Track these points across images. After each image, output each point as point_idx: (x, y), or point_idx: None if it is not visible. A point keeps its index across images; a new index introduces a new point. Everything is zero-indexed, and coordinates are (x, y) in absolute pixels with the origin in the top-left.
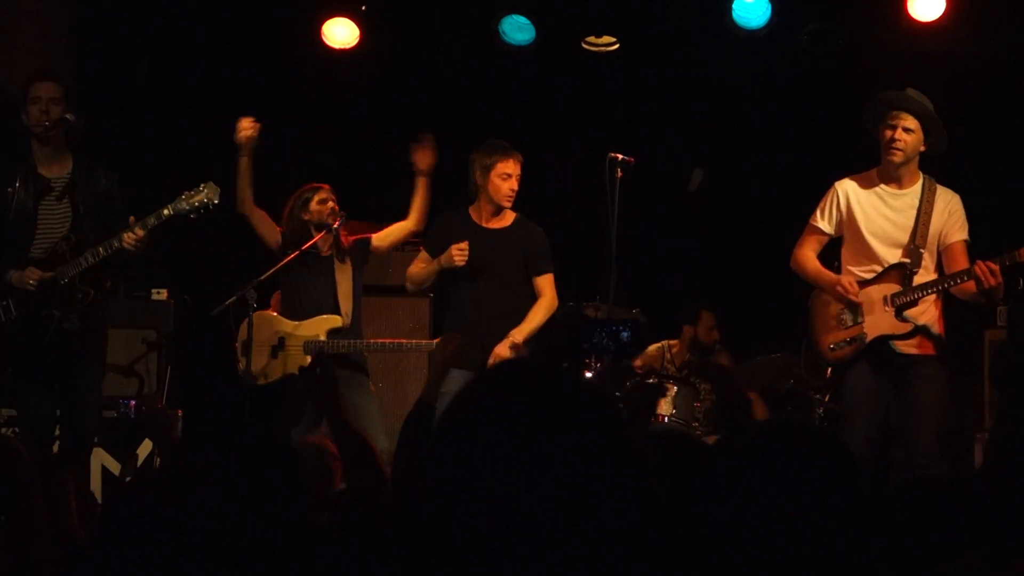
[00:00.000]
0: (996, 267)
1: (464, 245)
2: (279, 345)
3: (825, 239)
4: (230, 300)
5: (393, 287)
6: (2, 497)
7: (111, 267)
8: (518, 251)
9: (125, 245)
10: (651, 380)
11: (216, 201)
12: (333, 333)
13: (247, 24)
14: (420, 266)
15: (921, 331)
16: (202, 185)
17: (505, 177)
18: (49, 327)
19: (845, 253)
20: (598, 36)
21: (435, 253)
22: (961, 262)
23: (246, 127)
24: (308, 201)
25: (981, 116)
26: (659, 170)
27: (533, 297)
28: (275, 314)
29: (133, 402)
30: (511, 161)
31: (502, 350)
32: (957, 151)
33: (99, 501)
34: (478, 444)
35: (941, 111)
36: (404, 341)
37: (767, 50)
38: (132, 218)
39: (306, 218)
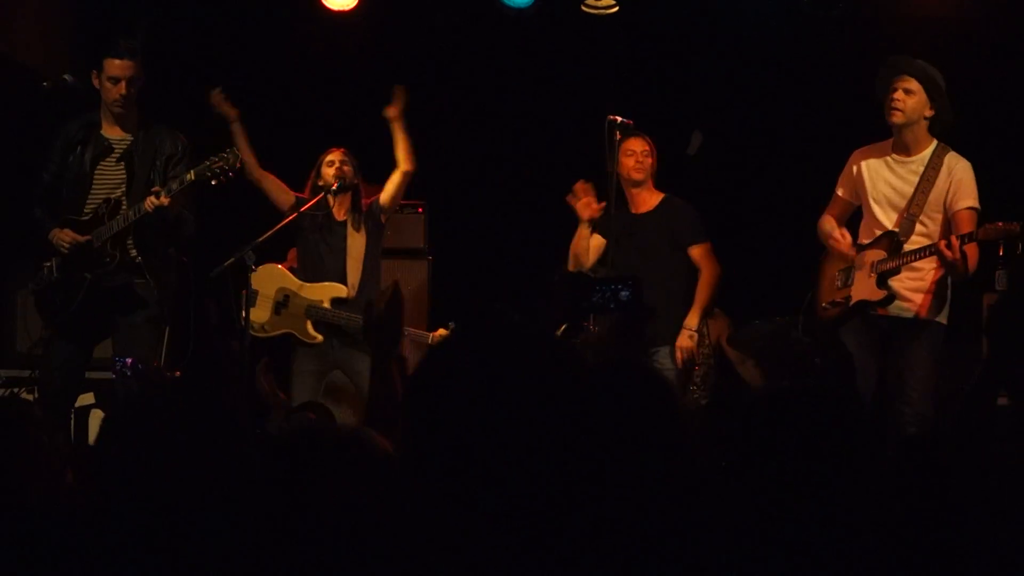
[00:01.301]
0: (956, 242)
1: (581, 188)
2: (283, 302)
3: (848, 207)
4: (228, 262)
5: (390, 249)
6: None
7: (163, 230)
8: (664, 230)
9: (148, 209)
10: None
11: (238, 166)
12: (337, 303)
13: None
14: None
15: (900, 297)
16: (226, 151)
17: (629, 154)
18: (80, 289)
19: (862, 221)
20: None
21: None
22: (964, 230)
23: (217, 100)
24: (320, 164)
25: (983, 79)
26: (658, 133)
27: (686, 267)
28: (284, 269)
29: (130, 360)
30: (633, 140)
31: (683, 342)
32: (956, 116)
33: None
34: (448, 400)
35: (944, 74)
36: (410, 329)
37: (767, 12)
38: (157, 187)
39: (319, 183)
